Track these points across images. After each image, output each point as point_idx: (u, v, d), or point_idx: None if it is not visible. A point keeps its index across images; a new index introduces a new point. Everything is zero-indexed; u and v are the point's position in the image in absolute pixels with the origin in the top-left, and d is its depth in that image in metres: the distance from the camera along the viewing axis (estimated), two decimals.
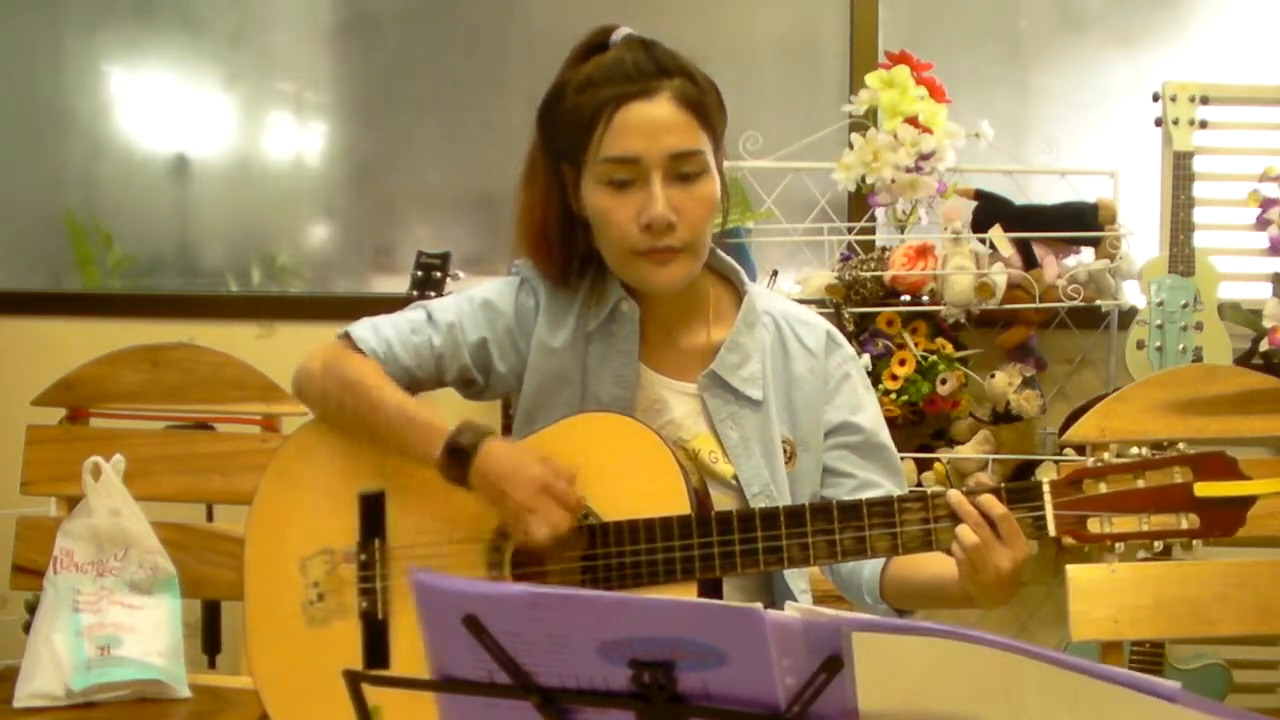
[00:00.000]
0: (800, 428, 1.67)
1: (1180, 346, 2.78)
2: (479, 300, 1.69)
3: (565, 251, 1.64)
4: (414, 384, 1.68)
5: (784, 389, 1.67)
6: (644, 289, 1.62)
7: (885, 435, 1.71)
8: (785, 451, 1.65)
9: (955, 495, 1.43)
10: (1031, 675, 0.89)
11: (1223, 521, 1.38)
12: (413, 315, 1.68)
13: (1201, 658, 2.74)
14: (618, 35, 1.59)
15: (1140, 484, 1.39)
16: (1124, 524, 1.39)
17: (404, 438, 1.57)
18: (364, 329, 1.66)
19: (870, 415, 1.70)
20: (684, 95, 1.54)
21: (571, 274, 1.66)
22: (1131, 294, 2.85)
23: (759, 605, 0.93)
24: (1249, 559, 1.99)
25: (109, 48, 3.41)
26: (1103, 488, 1.40)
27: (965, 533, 1.41)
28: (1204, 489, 1.37)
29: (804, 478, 1.67)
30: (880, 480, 1.68)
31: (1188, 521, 1.38)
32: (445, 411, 1.74)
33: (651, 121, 1.52)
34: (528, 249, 1.66)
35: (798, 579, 1.66)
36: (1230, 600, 1.89)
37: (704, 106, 1.56)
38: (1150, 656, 2.62)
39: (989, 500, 1.41)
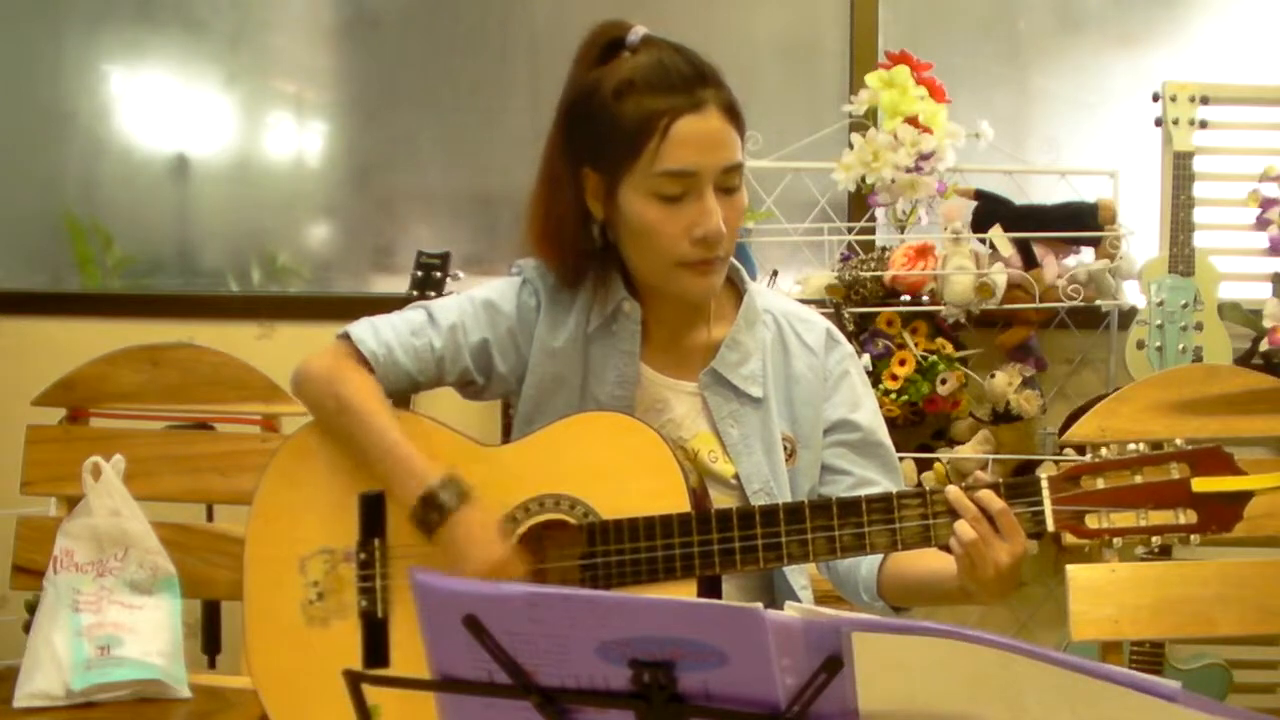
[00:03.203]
0: (800, 425, 1.67)
1: (1180, 346, 2.78)
2: (480, 300, 1.69)
3: (577, 252, 1.64)
4: (414, 386, 1.68)
5: (784, 387, 1.67)
6: (684, 297, 1.62)
7: (883, 433, 1.72)
8: (786, 449, 1.65)
9: (954, 491, 1.43)
10: (1031, 675, 0.89)
11: (1220, 517, 1.38)
12: (413, 316, 1.68)
13: (1201, 658, 2.74)
14: (635, 35, 1.58)
15: (1138, 479, 1.39)
16: (1122, 519, 1.40)
17: (386, 472, 1.58)
18: (364, 330, 1.66)
19: (868, 413, 1.70)
20: (726, 105, 1.54)
21: (579, 274, 1.66)
22: (1131, 294, 2.85)
23: (759, 605, 0.93)
24: (1249, 559, 1.99)
25: (109, 48, 3.41)
26: (1101, 483, 1.40)
27: (964, 528, 1.41)
28: (1201, 484, 1.38)
29: (804, 475, 1.67)
30: (877, 478, 1.68)
31: (1185, 517, 1.39)
32: (447, 409, 1.74)
33: (706, 135, 1.52)
34: (538, 248, 1.66)
35: (798, 575, 1.67)
36: (1230, 600, 1.89)
37: (739, 113, 1.56)
38: (1150, 656, 2.62)
39: (987, 495, 1.41)
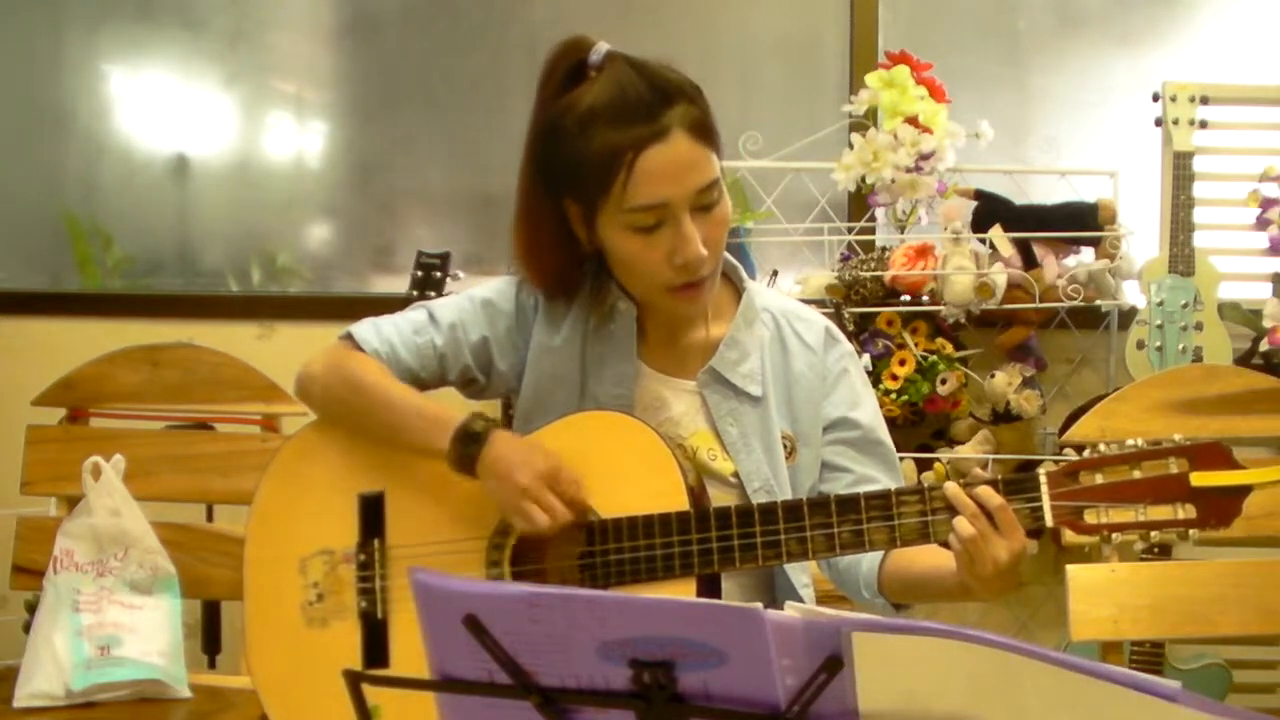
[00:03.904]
0: (800, 423, 1.67)
1: (1180, 346, 2.78)
2: (480, 300, 1.69)
3: (567, 270, 1.64)
4: (417, 384, 1.68)
5: (783, 385, 1.67)
6: (675, 318, 1.63)
7: (883, 431, 1.72)
8: (785, 447, 1.65)
9: (952, 487, 1.43)
10: (1031, 675, 0.89)
11: (1219, 511, 1.38)
12: (414, 315, 1.69)
13: (1201, 658, 2.74)
14: (596, 55, 1.55)
15: (1136, 474, 1.39)
16: (1121, 515, 1.39)
17: (412, 430, 1.57)
18: (366, 329, 1.67)
19: (868, 411, 1.70)
20: (692, 123, 1.51)
21: (571, 290, 1.66)
22: (1131, 294, 2.85)
23: (759, 605, 0.93)
24: (1249, 559, 1.99)
25: (109, 48, 3.41)
26: (1099, 479, 1.40)
27: (962, 525, 1.41)
28: (1200, 479, 1.38)
29: (804, 473, 1.67)
30: (877, 475, 1.68)
31: (1184, 512, 1.38)
32: (447, 409, 1.74)
33: (674, 164, 1.49)
34: (528, 273, 1.65)
35: (799, 573, 1.67)
36: (1230, 600, 1.89)
37: (709, 127, 1.53)
38: (1150, 656, 2.62)
39: (986, 492, 1.41)
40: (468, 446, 1.53)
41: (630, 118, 1.49)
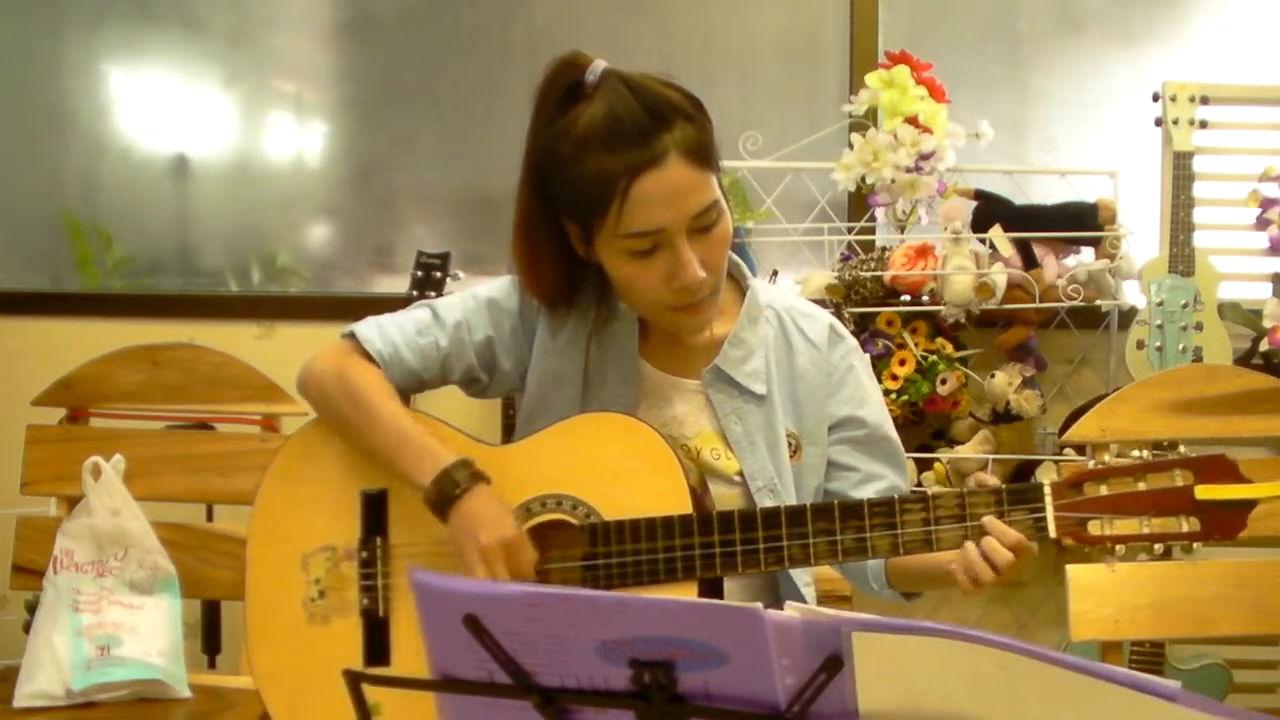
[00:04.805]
0: (805, 421, 1.67)
1: (1180, 346, 2.78)
2: (484, 299, 1.69)
3: (567, 282, 1.63)
4: (419, 385, 1.68)
5: (788, 383, 1.67)
6: (678, 335, 1.63)
7: (889, 426, 1.72)
8: (790, 445, 1.65)
9: (995, 526, 1.44)
10: (1031, 675, 0.89)
11: (1223, 524, 1.38)
12: (418, 315, 1.68)
13: (1201, 658, 2.74)
14: (593, 74, 1.52)
15: (1141, 486, 1.39)
16: (1125, 526, 1.39)
17: (398, 459, 1.57)
18: (369, 329, 1.66)
19: (874, 408, 1.71)
20: (688, 146, 1.48)
21: (573, 300, 1.66)
22: (1131, 294, 2.85)
23: (759, 605, 0.93)
24: (1249, 559, 1.99)
25: (109, 48, 3.41)
26: (1104, 490, 1.40)
27: (982, 571, 1.43)
28: (1205, 492, 1.37)
29: (809, 471, 1.67)
30: (884, 472, 1.69)
31: (1188, 524, 1.38)
32: (447, 409, 1.75)
33: (669, 190, 1.47)
34: (527, 284, 1.64)
35: (801, 572, 1.67)
36: (1230, 600, 1.89)
37: (707, 147, 1.51)
38: (1150, 656, 2.62)
39: (999, 547, 1.43)
40: (443, 493, 1.52)
41: (624, 143, 1.46)
